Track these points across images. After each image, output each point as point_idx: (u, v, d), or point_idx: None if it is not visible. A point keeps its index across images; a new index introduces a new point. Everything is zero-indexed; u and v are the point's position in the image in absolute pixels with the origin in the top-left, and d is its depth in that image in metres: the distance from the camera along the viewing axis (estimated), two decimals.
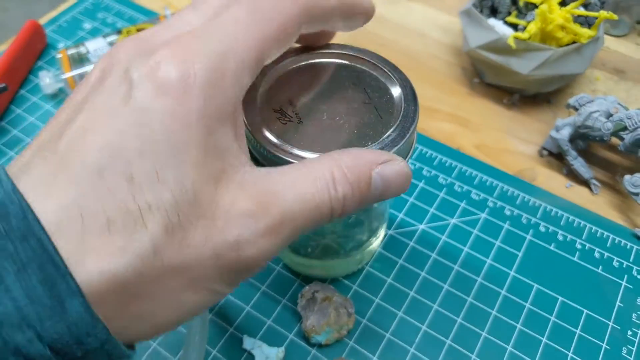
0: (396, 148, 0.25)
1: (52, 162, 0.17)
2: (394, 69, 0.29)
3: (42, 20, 0.54)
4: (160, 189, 0.17)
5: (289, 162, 0.24)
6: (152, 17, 0.52)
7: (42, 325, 0.16)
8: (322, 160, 0.21)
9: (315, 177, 0.20)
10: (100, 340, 0.17)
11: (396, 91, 0.28)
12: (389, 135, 0.26)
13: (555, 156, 0.43)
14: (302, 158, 0.24)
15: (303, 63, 0.29)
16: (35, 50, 0.50)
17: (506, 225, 0.39)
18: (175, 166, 0.18)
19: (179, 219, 0.18)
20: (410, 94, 0.27)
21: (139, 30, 0.46)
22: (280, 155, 0.24)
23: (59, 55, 0.46)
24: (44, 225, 0.16)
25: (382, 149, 0.25)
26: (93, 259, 0.16)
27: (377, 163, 0.22)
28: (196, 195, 0.18)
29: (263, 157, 0.25)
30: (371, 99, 0.28)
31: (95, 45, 0.46)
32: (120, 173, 0.17)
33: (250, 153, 0.26)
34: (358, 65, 0.29)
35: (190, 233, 0.18)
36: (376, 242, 0.35)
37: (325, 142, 0.25)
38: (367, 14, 0.26)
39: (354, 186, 0.21)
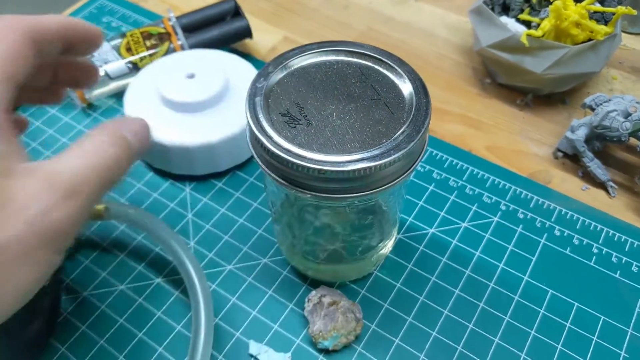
0: (412, 144, 0.24)
1: None
2: (400, 62, 0.28)
3: None
4: None
5: (306, 167, 0.24)
6: (156, 20, 0.52)
7: None
8: (81, 141, 0.24)
9: (86, 150, 0.24)
10: None
11: (405, 85, 0.27)
12: (403, 131, 0.25)
13: (570, 158, 0.42)
14: (319, 162, 0.24)
15: (305, 63, 0.28)
16: None
17: (519, 229, 0.38)
18: None
19: None
20: (420, 86, 0.27)
21: (142, 33, 0.46)
22: (295, 161, 0.24)
23: None
24: None
25: (397, 145, 0.24)
26: None
27: (119, 124, 0.26)
28: None
29: (277, 164, 0.25)
30: (380, 95, 0.27)
31: (99, 50, 0.46)
32: None
33: (266, 160, 0.26)
34: (362, 62, 0.28)
35: None
36: (386, 247, 0.34)
37: (339, 141, 0.25)
38: (93, 41, 0.29)
39: (119, 144, 0.25)
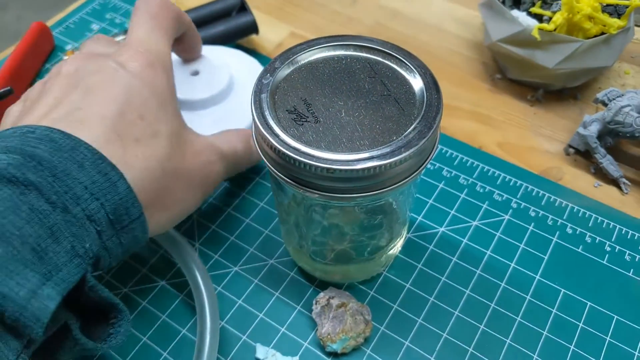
0: (424, 141, 0.24)
1: (77, 114, 0.26)
2: (410, 56, 0.27)
3: (50, 22, 0.53)
4: (160, 123, 0.28)
5: (314, 166, 0.23)
6: None
7: (104, 197, 0.24)
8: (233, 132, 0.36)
9: (241, 137, 0.35)
10: (138, 211, 0.26)
11: (415, 80, 0.26)
12: (414, 128, 0.24)
13: (582, 154, 0.41)
14: (327, 160, 0.23)
15: (312, 59, 0.28)
16: (42, 52, 0.49)
17: (531, 227, 0.37)
18: (164, 113, 0.29)
19: (172, 142, 0.29)
20: (431, 81, 0.26)
21: None
22: (302, 159, 0.23)
23: (66, 57, 0.45)
24: (90, 143, 0.25)
25: (408, 143, 0.24)
26: (131, 159, 0.26)
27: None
28: (179, 130, 0.30)
29: (284, 163, 0.24)
30: (390, 90, 0.26)
31: None
32: (135, 114, 0.27)
33: (273, 159, 0.25)
34: (371, 56, 0.28)
35: (181, 151, 0.30)
36: (395, 247, 0.34)
37: (348, 138, 0.24)
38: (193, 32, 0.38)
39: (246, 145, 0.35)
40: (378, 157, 0.23)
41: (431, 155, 0.26)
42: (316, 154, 0.23)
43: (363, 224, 0.30)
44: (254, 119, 0.25)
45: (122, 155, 0.26)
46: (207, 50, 0.42)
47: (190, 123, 0.36)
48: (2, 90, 0.39)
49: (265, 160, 0.26)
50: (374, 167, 0.23)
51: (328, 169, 0.23)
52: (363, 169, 0.23)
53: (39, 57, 0.49)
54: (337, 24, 0.52)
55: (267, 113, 0.25)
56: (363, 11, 0.53)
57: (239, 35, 0.47)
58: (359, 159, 0.23)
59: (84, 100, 0.27)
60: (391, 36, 0.51)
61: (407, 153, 0.23)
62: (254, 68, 0.42)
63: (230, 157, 0.33)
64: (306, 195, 0.25)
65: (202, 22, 0.46)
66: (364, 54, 0.28)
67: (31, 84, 0.47)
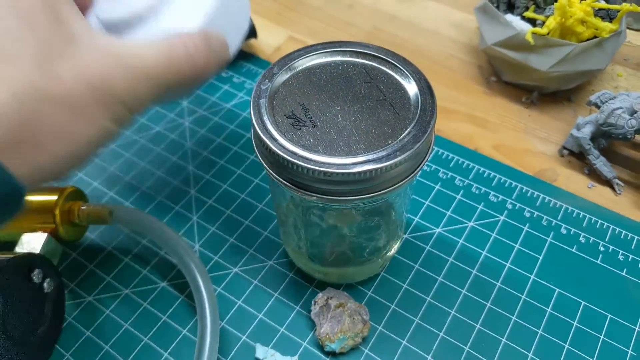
0: (418, 145, 0.24)
1: None
2: (405, 62, 0.28)
3: None
4: (26, 37, 0.22)
5: (312, 170, 0.24)
6: None
7: None
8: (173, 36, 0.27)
9: (162, 44, 0.26)
10: None
11: (410, 85, 0.27)
12: (409, 132, 0.25)
13: (576, 155, 0.42)
14: (324, 164, 0.24)
15: (310, 64, 0.28)
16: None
17: (526, 228, 0.37)
18: (28, 28, 0.22)
19: (40, 60, 0.22)
20: (425, 86, 0.27)
21: None
22: (300, 163, 0.24)
23: None
24: None
25: (403, 147, 0.24)
26: None
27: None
28: (55, 44, 0.23)
29: (283, 167, 0.25)
30: (385, 95, 0.27)
31: None
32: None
33: (271, 163, 0.26)
34: (367, 62, 0.28)
35: (59, 67, 0.22)
36: (393, 248, 0.34)
37: (345, 142, 0.25)
38: None
39: (196, 43, 0.26)
40: (374, 161, 0.24)
41: (426, 158, 0.26)
42: (314, 157, 0.24)
43: (360, 225, 0.30)
44: (252, 124, 0.26)
45: None
46: None
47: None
48: None
49: (264, 164, 0.26)
50: (370, 171, 0.24)
51: (325, 173, 0.24)
52: (359, 172, 0.24)
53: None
54: (334, 28, 0.53)
55: (265, 118, 0.26)
56: (360, 15, 0.54)
57: None
58: (356, 163, 0.24)
59: None
60: (388, 40, 0.51)
61: (403, 157, 0.24)
62: None
63: (141, 70, 0.25)
64: (304, 198, 0.26)
65: None
66: (360, 60, 0.29)
67: None
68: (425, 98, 0.26)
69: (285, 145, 0.24)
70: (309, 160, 0.24)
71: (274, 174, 0.26)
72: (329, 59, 0.29)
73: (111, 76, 0.24)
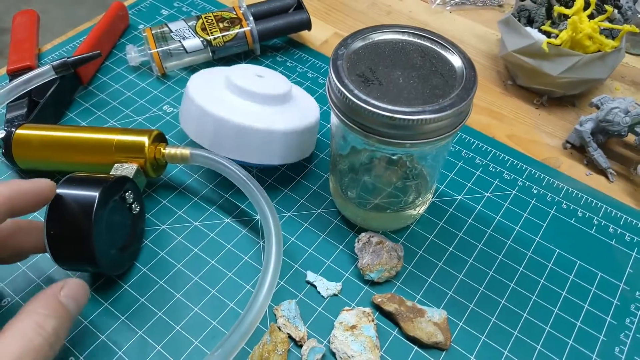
0: (464, 103, 0.31)
1: None
2: (451, 43, 0.35)
3: (127, 2, 0.62)
4: None
5: (380, 115, 0.30)
6: (223, 7, 0.59)
7: None
8: (20, 318, 0.27)
9: (23, 334, 0.26)
10: None
11: (456, 62, 0.34)
12: (457, 94, 0.32)
13: (577, 149, 0.49)
14: (390, 110, 0.30)
15: (377, 39, 0.35)
16: (119, 28, 0.57)
17: (533, 201, 0.44)
18: None
19: None
20: (468, 63, 0.33)
21: (216, 16, 0.53)
22: (371, 109, 0.30)
23: (145, 34, 0.53)
24: None
25: (452, 104, 0.31)
26: None
27: (59, 290, 0.30)
28: None
29: (356, 113, 0.31)
30: (436, 67, 0.34)
31: (177, 26, 0.53)
32: None
33: (344, 112, 0.32)
34: (422, 42, 0.35)
35: None
36: (423, 206, 0.41)
37: (405, 97, 0.31)
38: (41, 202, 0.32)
39: (57, 316, 0.28)
40: (429, 112, 0.30)
41: (466, 118, 0.33)
42: (382, 105, 0.31)
43: (402, 178, 0.37)
44: (331, 80, 0.32)
45: None
46: (265, 69, 0.46)
47: (252, 113, 0.41)
48: (93, 53, 0.46)
49: (338, 113, 0.33)
50: (426, 119, 0.30)
51: (391, 117, 0.30)
52: (419, 120, 0.30)
53: (116, 31, 0.57)
54: None
55: (342, 75, 0.32)
56: (396, 21, 0.62)
57: (293, 29, 0.55)
58: (415, 111, 0.30)
59: None
60: None
61: (452, 110, 0.31)
62: (304, 93, 0.48)
63: None
64: (368, 140, 0.32)
65: (262, 15, 0.54)
66: (417, 40, 0.36)
67: (108, 54, 0.55)
68: (469, 71, 0.33)
69: (359, 95, 0.31)
70: (378, 106, 0.30)
71: (345, 120, 0.33)
72: (392, 36, 0.36)
73: None
